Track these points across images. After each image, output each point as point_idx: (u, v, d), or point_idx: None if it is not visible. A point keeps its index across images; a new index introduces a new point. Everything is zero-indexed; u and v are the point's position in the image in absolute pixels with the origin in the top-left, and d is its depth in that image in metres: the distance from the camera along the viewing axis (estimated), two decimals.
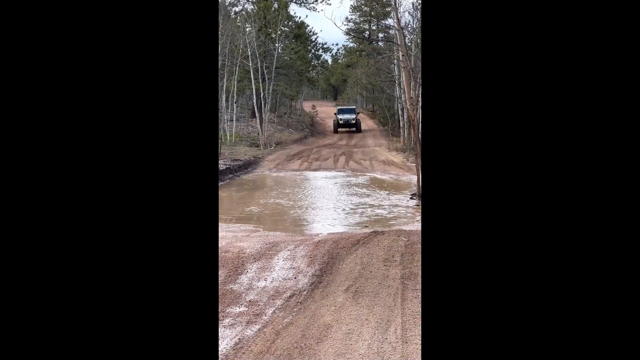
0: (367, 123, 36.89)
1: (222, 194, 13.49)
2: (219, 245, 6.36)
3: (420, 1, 20.85)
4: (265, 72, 28.74)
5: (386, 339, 4.39)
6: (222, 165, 17.58)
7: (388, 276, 6.08)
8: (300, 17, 42.46)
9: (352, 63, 41.95)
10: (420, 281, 5.80)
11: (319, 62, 50.79)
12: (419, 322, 4.68)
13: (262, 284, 5.98)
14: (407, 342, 4.30)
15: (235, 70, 26.93)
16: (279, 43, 32.17)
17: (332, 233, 8.83)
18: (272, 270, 6.48)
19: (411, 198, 12.81)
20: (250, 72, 27.62)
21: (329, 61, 55.27)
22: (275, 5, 34.37)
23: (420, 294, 5.41)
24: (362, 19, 47.31)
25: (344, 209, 12.13)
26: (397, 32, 13.83)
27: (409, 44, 21.16)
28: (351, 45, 48.24)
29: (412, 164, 17.12)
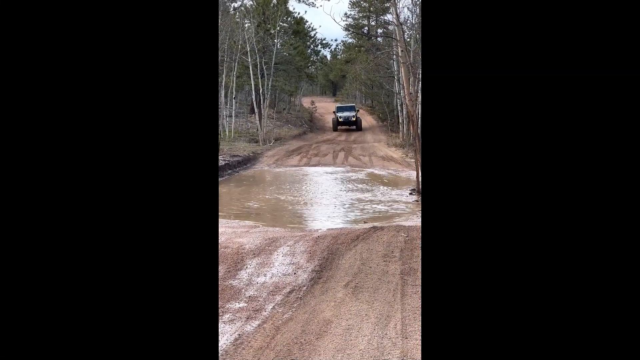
0: (366, 119, 36.81)
1: (221, 189, 13.49)
2: (218, 241, 6.36)
3: None
4: (264, 67, 28.73)
5: (386, 334, 4.39)
6: (221, 161, 17.58)
7: (387, 272, 6.08)
8: (299, 13, 42.30)
9: (351, 59, 41.93)
10: (419, 277, 5.81)
11: (318, 57, 50.80)
12: (419, 318, 4.68)
13: (261, 279, 5.98)
14: (406, 338, 4.31)
15: (234, 66, 26.92)
16: (278, 39, 32.13)
17: (332, 229, 8.83)
18: (271, 266, 6.48)
19: (410, 194, 12.81)
20: (249, 67, 27.61)
21: (328, 57, 55.31)
22: (274, 0, 34.32)
23: (419, 289, 5.42)
24: (361, 15, 47.29)
25: (343, 205, 12.13)
26: (396, 27, 13.81)
27: (408, 39, 21.12)
28: (350, 41, 48.27)
29: (411, 160, 17.12)
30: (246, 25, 28.93)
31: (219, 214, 7.43)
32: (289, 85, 36.05)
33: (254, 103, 29.54)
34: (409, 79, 13.31)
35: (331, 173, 18.38)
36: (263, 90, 28.99)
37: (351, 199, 12.85)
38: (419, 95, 20.43)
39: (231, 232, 8.24)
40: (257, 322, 4.75)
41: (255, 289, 5.66)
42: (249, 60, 27.21)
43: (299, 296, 5.42)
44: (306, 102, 46.09)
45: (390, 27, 32.89)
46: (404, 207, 11.58)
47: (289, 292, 5.56)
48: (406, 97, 13.84)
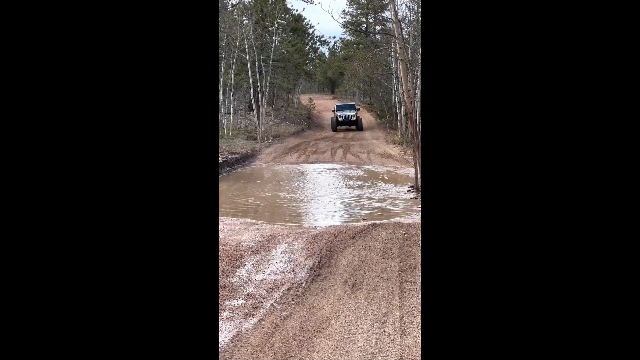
0: (364, 116, 36.70)
1: (220, 187, 13.48)
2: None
3: None
4: (262, 65, 28.71)
5: (384, 331, 4.40)
6: (219, 158, 17.57)
7: (386, 269, 6.08)
8: (297, 10, 42.31)
9: (349, 56, 41.87)
10: (418, 274, 5.81)
11: (316, 55, 50.79)
12: (417, 315, 4.69)
13: (260, 276, 5.98)
14: (405, 335, 4.31)
15: (232, 64, 26.89)
16: (276, 36, 32.11)
17: (330, 226, 8.83)
18: (270, 263, 6.48)
19: (409, 191, 12.81)
20: (247, 65, 27.57)
21: (326, 54, 55.23)
22: None
23: (418, 286, 5.43)
24: (359, 12, 47.27)
25: (341, 202, 12.13)
26: (394, 24, 13.80)
27: (406, 36, 21.13)
28: (348, 38, 48.19)
29: (410, 157, 17.13)
30: (244, 22, 28.89)
31: None
32: (287, 82, 36.05)
33: (252, 100, 29.51)
34: (407, 76, 13.30)
35: (329, 170, 18.38)
36: (261, 87, 28.97)
37: (349, 196, 12.85)
38: (417, 92, 20.44)
39: (229, 229, 8.24)
40: (255, 320, 4.75)
41: (254, 286, 5.66)
42: (247, 57, 27.17)
43: (298, 293, 5.42)
44: (304, 99, 46.12)
45: (389, 24, 32.87)
46: (402, 204, 11.58)
47: (288, 289, 5.56)
48: (404, 94, 13.83)
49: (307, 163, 20.33)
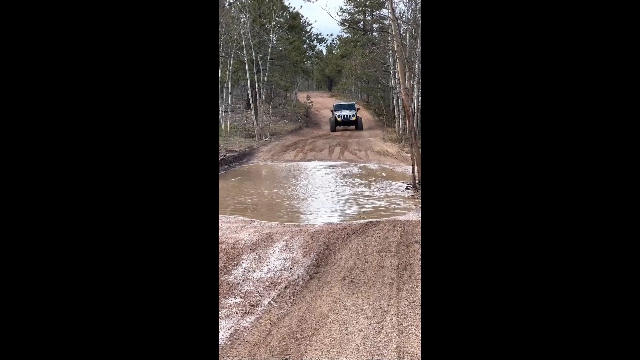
0: (362, 114, 36.70)
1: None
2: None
3: None
4: (259, 63, 28.69)
5: (382, 329, 4.40)
6: None
7: (384, 266, 6.08)
8: (294, 8, 42.36)
9: (346, 53, 41.83)
10: (415, 271, 5.82)
11: (314, 52, 50.73)
12: (415, 312, 4.69)
13: (257, 274, 5.97)
14: (402, 332, 4.31)
15: (230, 61, 26.85)
16: (273, 34, 32.09)
17: (328, 224, 8.83)
18: (267, 261, 6.48)
19: (407, 188, 12.81)
20: (244, 63, 27.54)
21: (324, 52, 55.23)
22: None
23: (415, 284, 5.43)
24: (356, 9, 47.22)
25: (339, 200, 12.12)
26: (391, 22, 13.79)
27: (404, 34, 21.12)
28: (346, 35, 48.16)
29: (407, 155, 17.14)
30: (242, 20, 28.85)
31: None
32: (284, 80, 36.01)
33: (250, 98, 29.49)
34: (405, 73, 13.30)
35: (327, 168, 18.38)
36: (259, 85, 28.95)
37: (347, 193, 12.84)
38: (415, 90, 20.44)
39: (227, 227, 8.23)
40: (253, 317, 4.75)
41: (251, 284, 5.65)
42: (245, 55, 27.14)
43: (295, 291, 5.42)
44: (302, 97, 46.11)
45: (386, 22, 32.84)
46: (400, 201, 11.58)
47: (285, 287, 5.55)
48: (402, 91, 13.83)
49: (305, 161, 20.32)
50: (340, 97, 48.67)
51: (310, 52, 48.81)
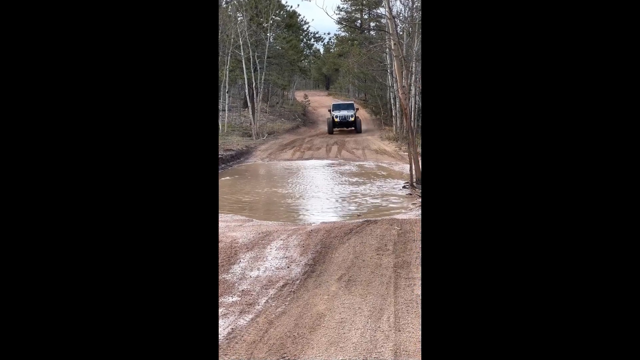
0: (360, 113, 36.60)
1: None
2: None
3: None
4: (257, 61, 28.66)
5: (379, 327, 4.40)
6: None
7: (381, 265, 6.09)
8: (291, 7, 42.32)
9: (344, 52, 41.85)
10: (412, 270, 5.82)
11: (311, 51, 50.78)
12: (412, 311, 4.69)
13: (255, 273, 5.97)
14: (399, 331, 4.31)
15: (227, 60, 26.83)
16: (270, 32, 32.04)
17: (325, 222, 8.83)
18: (265, 259, 6.48)
19: (404, 187, 12.81)
20: (242, 61, 27.53)
21: (321, 50, 55.27)
22: None
23: (412, 282, 5.44)
24: (353, 8, 47.23)
25: (336, 198, 12.13)
26: (388, 21, 13.78)
27: (401, 32, 21.11)
28: (343, 34, 48.23)
29: (405, 153, 17.13)
30: (239, 18, 28.83)
31: None
32: (282, 79, 36.00)
33: (247, 97, 29.49)
34: (402, 72, 13.30)
35: (324, 167, 18.38)
36: (256, 84, 28.93)
37: (344, 192, 12.85)
38: (412, 88, 20.44)
39: (224, 226, 8.23)
40: (250, 316, 4.75)
41: (249, 283, 5.65)
42: (242, 54, 27.13)
43: (292, 290, 5.42)
44: (299, 95, 46.08)
45: (383, 21, 32.85)
46: (397, 200, 11.59)
47: (283, 285, 5.55)
48: (399, 90, 13.83)
49: (302, 159, 20.32)
50: (337, 95, 48.64)
51: (308, 51, 48.85)
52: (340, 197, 12.21)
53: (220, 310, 4.90)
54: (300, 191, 13.38)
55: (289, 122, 34.52)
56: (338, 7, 45.53)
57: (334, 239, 7.23)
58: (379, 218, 8.87)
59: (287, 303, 5.06)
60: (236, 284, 5.62)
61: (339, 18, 44.95)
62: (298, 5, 44.42)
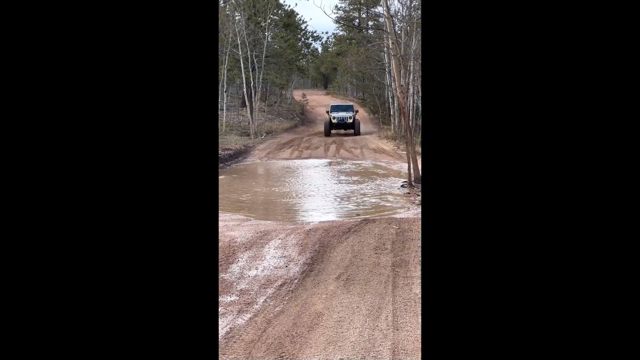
0: (359, 113, 36.53)
1: None
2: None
3: None
4: (255, 61, 28.66)
5: (377, 326, 4.40)
6: None
7: (379, 264, 6.09)
8: (289, 6, 42.36)
9: (342, 51, 41.84)
10: (410, 269, 5.83)
11: (309, 50, 50.79)
12: (410, 310, 4.70)
13: (253, 272, 5.98)
14: (398, 330, 4.32)
15: (225, 59, 26.83)
16: (268, 32, 32.03)
17: (323, 221, 8.84)
18: (263, 259, 6.48)
19: (402, 186, 12.82)
20: (240, 61, 27.53)
21: (319, 50, 55.26)
22: None
23: (410, 281, 5.44)
24: (351, 7, 47.27)
25: (334, 198, 12.13)
26: (386, 20, 13.78)
27: (399, 31, 21.12)
28: (341, 33, 48.25)
29: (403, 152, 17.14)
30: (237, 18, 28.82)
31: None
32: (280, 78, 35.99)
33: (245, 96, 29.48)
34: (400, 71, 13.30)
35: (323, 166, 18.39)
36: (254, 83, 28.93)
37: (343, 191, 12.85)
38: (410, 87, 20.45)
39: (223, 225, 8.23)
40: (248, 316, 4.75)
41: (247, 282, 5.66)
42: (240, 53, 27.13)
43: (291, 289, 5.42)
44: (297, 95, 46.09)
45: (381, 20, 32.85)
46: (395, 199, 11.59)
47: (281, 285, 5.56)
48: (397, 89, 13.83)
49: (301, 159, 20.32)
50: (335, 95, 48.66)
51: (306, 50, 48.85)
52: (339, 196, 12.21)
53: (218, 309, 4.90)
54: (298, 190, 13.38)
55: (287, 122, 34.53)
56: (336, 6, 45.66)
57: (332, 238, 7.23)
58: (377, 217, 8.88)
59: (285, 302, 5.06)
60: (234, 284, 5.63)
61: (337, 17, 45.04)
62: (296, 4, 44.54)
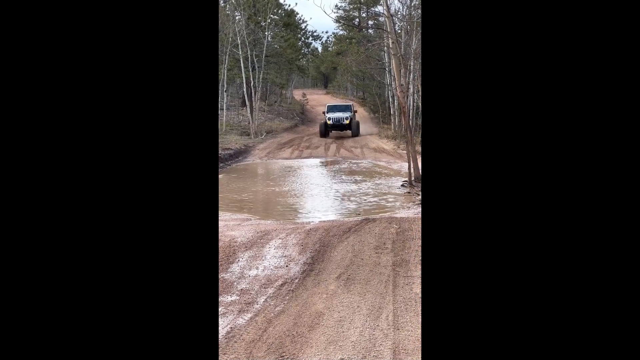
0: (358, 113, 36.43)
1: None
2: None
3: None
4: (255, 60, 28.65)
5: (378, 325, 4.40)
6: None
7: (379, 263, 6.09)
8: (289, 5, 42.38)
9: (342, 51, 41.83)
10: (411, 268, 5.83)
11: (309, 50, 50.79)
12: (410, 309, 4.70)
13: (253, 272, 5.97)
14: (398, 329, 4.31)
15: (225, 59, 26.82)
16: (268, 31, 32.04)
17: (324, 221, 8.83)
18: (263, 258, 6.48)
19: (402, 185, 12.81)
20: (240, 60, 27.52)
21: (319, 49, 55.27)
22: None
23: (411, 280, 5.44)
24: (351, 7, 47.27)
25: (335, 197, 12.13)
26: (386, 19, 13.77)
27: (399, 31, 21.10)
28: (341, 32, 48.25)
29: (403, 151, 17.14)
30: (236, 17, 28.81)
31: None
32: (280, 77, 36.00)
33: (245, 96, 29.48)
34: (400, 70, 13.29)
35: (323, 165, 18.38)
36: (254, 83, 28.93)
37: (343, 191, 12.85)
38: (410, 86, 20.44)
39: (223, 225, 8.23)
40: (249, 315, 4.75)
41: (247, 282, 5.65)
42: (240, 53, 27.13)
43: (291, 289, 5.42)
44: (297, 94, 46.10)
45: (381, 19, 32.84)
46: (396, 198, 11.59)
47: (281, 284, 5.55)
48: (397, 88, 13.82)
49: (301, 158, 20.32)
50: (336, 94, 48.65)
51: (306, 50, 48.85)
52: (339, 196, 12.21)
53: (219, 309, 4.89)
54: (298, 190, 13.37)
55: (287, 121, 34.53)
56: (336, 6, 45.69)
57: (332, 237, 7.23)
58: (378, 216, 8.87)
59: (285, 302, 5.06)
60: (235, 283, 5.62)
61: (337, 16, 45.05)
62: (296, 3, 44.55)
